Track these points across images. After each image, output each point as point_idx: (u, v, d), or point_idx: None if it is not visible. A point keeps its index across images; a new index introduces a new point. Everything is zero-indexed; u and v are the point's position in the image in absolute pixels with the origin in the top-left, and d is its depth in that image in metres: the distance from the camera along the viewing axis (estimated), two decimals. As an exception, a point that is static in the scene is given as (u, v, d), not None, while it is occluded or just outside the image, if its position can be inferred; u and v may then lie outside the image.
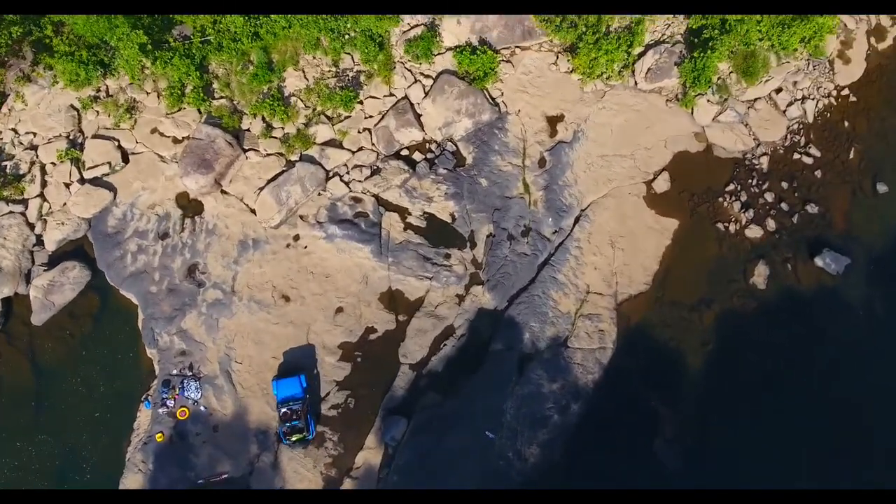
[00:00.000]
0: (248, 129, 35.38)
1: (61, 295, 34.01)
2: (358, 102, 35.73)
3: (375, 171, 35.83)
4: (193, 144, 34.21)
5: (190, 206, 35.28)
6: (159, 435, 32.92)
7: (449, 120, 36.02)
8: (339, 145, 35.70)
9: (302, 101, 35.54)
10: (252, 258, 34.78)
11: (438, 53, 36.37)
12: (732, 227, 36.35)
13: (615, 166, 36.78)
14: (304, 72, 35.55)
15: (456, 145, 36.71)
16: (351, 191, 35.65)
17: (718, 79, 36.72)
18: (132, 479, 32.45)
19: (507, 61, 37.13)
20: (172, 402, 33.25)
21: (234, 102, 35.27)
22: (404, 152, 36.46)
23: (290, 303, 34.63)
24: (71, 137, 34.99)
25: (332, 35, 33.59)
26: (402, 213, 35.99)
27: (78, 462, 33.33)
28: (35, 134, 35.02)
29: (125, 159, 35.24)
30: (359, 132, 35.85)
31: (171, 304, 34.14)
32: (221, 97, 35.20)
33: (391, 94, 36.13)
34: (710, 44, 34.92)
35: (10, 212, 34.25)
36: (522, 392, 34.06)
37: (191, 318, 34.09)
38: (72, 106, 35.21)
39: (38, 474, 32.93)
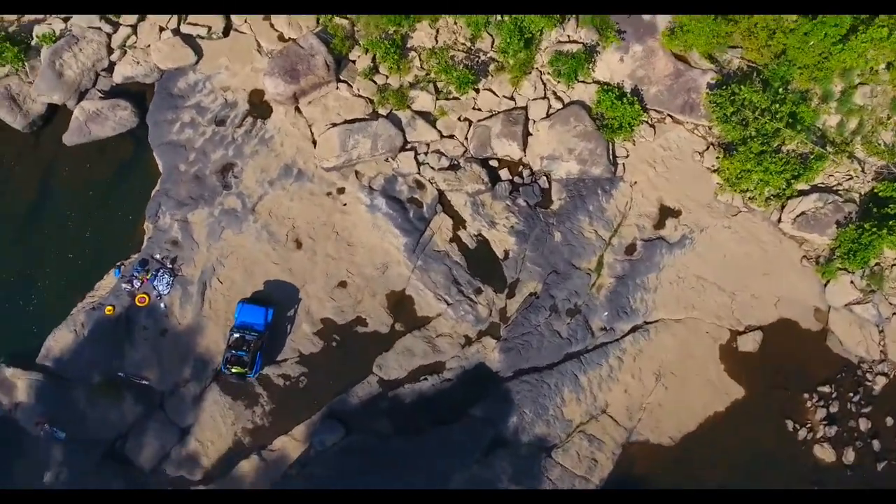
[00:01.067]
0: (353, 62, 31.57)
1: (101, 128, 31.68)
2: (473, 89, 31.08)
3: (453, 167, 31.13)
4: (292, 49, 30.78)
5: (259, 107, 31.99)
6: (110, 308, 30.04)
7: (557, 154, 30.74)
8: (432, 122, 31.24)
9: (420, 59, 31.29)
10: (288, 187, 31.09)
11: (583, 81, 31.09)
12: (803, 433, 29.09)
13: (708, 296, 30.30)
14: (437, 32, 31.29)
15: (550, 183, 31.36)
16: (419, 173, 31.17)
17: (876, 265, 29.40)
18: (62, 336, 29.73)
19: (651, 125, 31.32)
20: (140, 283, 30.25)
21: (355, 29, 31.53)
22: (493, 163, 31.51)
23: (299, 250, 30.72)
24: (189, -14, 32.41)
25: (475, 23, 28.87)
26: (458, 223, 31.16)
27: (29, 291, 31.04)
28: (159, -34, 32.72)
29: (226, 32, 32.41)
30: (458, 119, 31.23)
31: (189, 190, 31.06)
32: (345, 17, 31.53)
33: (511, 98, 31.25)
34: (890, 223, 27.69)
35: (99, 28, 32.19)
36: (478, 474, 28.68)
37: (199, 214, 30.89)
38: (206, -44, 32.64)
39: (-10, 283, 30.93)
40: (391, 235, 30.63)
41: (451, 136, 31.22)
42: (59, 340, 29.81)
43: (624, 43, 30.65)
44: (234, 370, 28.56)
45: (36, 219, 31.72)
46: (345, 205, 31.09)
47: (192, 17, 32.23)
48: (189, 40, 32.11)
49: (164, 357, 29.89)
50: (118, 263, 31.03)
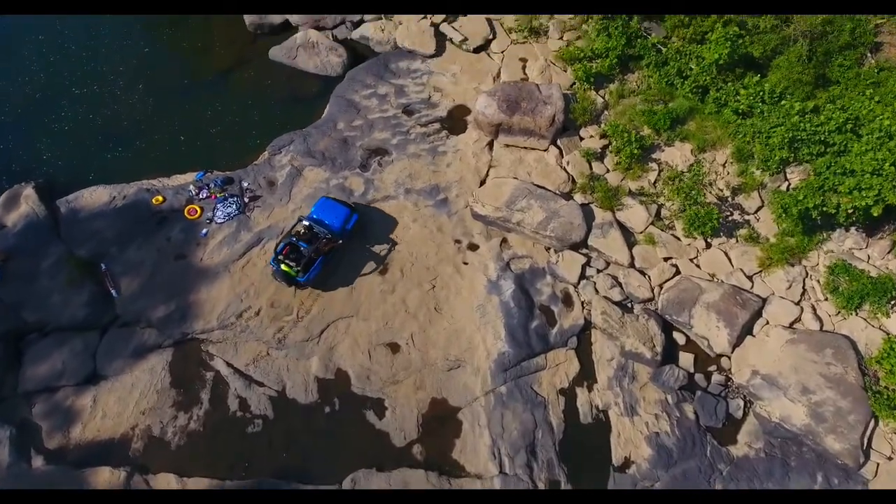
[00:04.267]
0: (581, 137, 23.72)
1: (306, 60, 27.13)
2: (705, 240, 20.95)
3: (624, 307, 20.31)
4: (529, 88, 23.98)
5: (455, 121, 25.16)
6: (160, 199, 23.00)
7: (782, 382, 18.42)
8: (630, 243, 21.31)
9: (659, 175, 22.41)
10: (421, 207, 22.70)
11: (866, 318, 19.29)
12: None
13: None
14: (696, 159, 22.48)
15: (746, 413, 18.69)
16: (576, 287, 20.84)
17: None
18: (99, 195, 23.13)
19: (950, 444, 17.76)
20: (206, 196, 23.13)
21: (607, 110, 24.12)
22: (679, 336, 20.03)
23: (383, 276, 21.31)
24: (474, -2, 28.39)
25: (765, 163, 19.56)
26: (585, 376, 19.56)
27: (120, 142, 25.40)
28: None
29: (477, 50, 27.12)
30: (664, 259, 20.94)
31: (326, 147, 24.25)
32: (597, 93, 24.45)
33: (749, 278, 20.38)
34: None
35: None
36: None
37: (316, 174, 23.62)
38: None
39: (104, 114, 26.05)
40: (492, 333, 19.97)
41: (643, 273, 20.77)
42: (93, 197, 23.11)
43: (958, 308, 18.75)
44: (283, 266, 19.54)
45: (192, 91, 27.03)
46: (465, 263, 21.52)
47: (455, 21, 27.75)
48: (439, 36, 27.37)
49: (156, 282, 21.33)
50: (208, 169, 24.38)
